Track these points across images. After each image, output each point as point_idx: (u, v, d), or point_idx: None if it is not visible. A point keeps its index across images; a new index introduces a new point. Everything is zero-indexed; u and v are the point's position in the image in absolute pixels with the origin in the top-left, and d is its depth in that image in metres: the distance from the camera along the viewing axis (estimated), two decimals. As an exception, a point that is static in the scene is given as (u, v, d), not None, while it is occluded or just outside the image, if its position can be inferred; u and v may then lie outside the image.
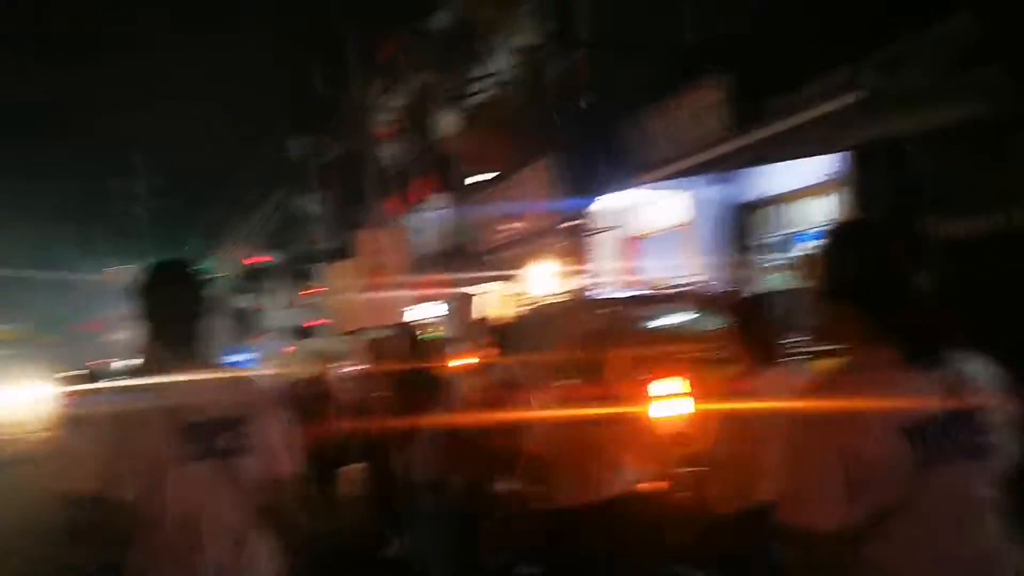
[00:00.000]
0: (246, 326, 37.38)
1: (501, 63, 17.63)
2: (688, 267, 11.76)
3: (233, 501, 2.35)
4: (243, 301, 36.35)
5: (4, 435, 19.78)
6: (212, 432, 2.34)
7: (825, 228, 1.97)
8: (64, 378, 22.89)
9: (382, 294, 14.83)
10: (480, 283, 12.88)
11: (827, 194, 8.61)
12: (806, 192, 9.20)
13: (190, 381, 2.34)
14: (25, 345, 37.54)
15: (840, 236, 1.95)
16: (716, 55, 8.85)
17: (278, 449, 2.48)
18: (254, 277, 33.32)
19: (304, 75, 22.89)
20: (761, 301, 4.36)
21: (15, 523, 8.22)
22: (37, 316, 40.79)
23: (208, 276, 2.61)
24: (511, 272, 12.14)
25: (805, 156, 7.96)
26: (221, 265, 33.94)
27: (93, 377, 22.31)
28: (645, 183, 10.36)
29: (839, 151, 7.66)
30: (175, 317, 2.44)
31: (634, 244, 12.45)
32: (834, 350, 1.92)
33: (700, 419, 4.84)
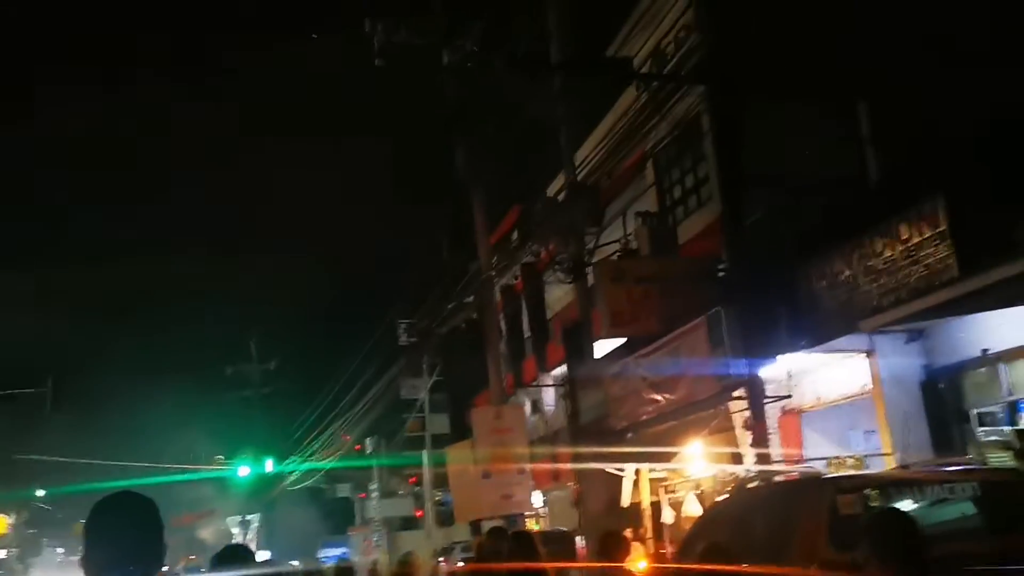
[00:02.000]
0: (347, 516, 35.66)
1: (632, 225, 16.55)
2: (872, 443, 9.80)
3: None
4: (344, 490, 34.83)
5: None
6: None
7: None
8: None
9: (503, 477, 13.14)
10: (620, 463, 11.08)
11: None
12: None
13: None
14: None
15: None
16: (923, 178, 7.37)
17: None
18: (358, 463, 31.92)
19: (416, 250, 22.30)
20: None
21: None
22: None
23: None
24: (660, 450, 10.34)
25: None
26: (324, 451, 32.77)
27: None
28: (828, 341, 8.66)
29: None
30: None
31: (803, 415, 10.58)
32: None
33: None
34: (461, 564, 17.39)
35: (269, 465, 31.12)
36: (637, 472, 10.87)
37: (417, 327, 29.66)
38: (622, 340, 14.60)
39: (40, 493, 40.32)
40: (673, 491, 10.98)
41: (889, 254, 7.79)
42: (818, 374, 10.35)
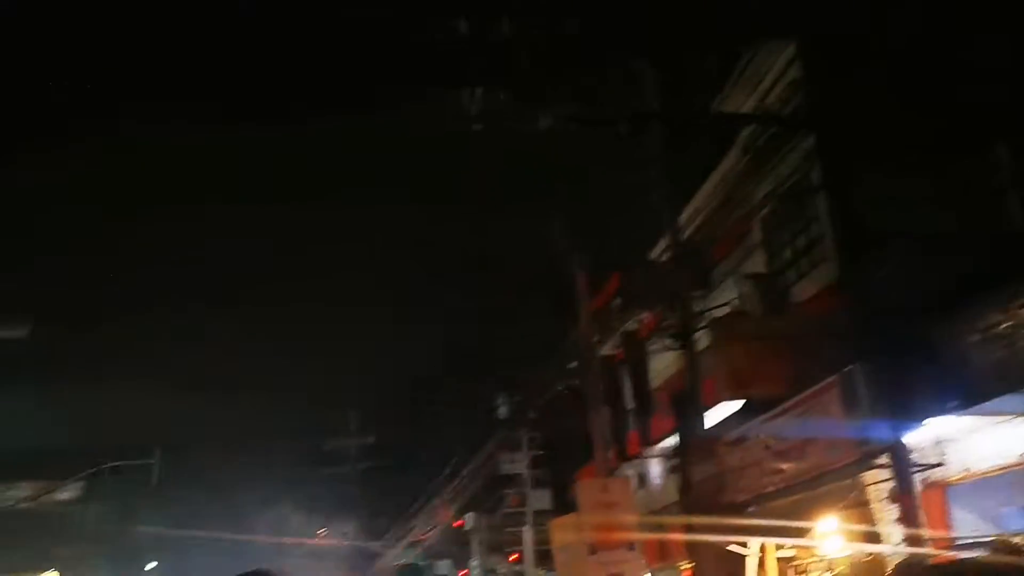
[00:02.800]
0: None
1: (736, 289, 15.69)
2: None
3: None
4: (443, 568, 33.92)
5: None
6: None
7: None
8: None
9: (612, 553, 12.24)
10: (742, 540, 10.08)
11: None
12: None
13: None
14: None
15: None
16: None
17: None
18: (456, 540, 31.11)
19: (511, 321, 21.80)
20: None
21: None
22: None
23: None
24: (787, 524, 9.33)
25: None
26: (421, 529, 32.07)
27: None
28: (982, 401, 7.64)
29: None
30: None
31: (949, 489, 9.41)
32: None
33: None
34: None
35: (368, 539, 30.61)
36: (763, 549, 9.85)
37: (515, 400, 29.06)
38: (737, 406, 13.64)
39: (151, 566, 40.71)
40: (804, 571, 9.89)
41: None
42: (967, 442, 9.23)
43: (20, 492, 23.42)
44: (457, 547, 31.33)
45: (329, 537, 31.92)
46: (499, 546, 30.66)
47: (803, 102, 12.87)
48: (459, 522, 30.84)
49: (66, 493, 24.15)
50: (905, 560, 7.51)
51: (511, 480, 29.70)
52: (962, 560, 6.31)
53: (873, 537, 9.10)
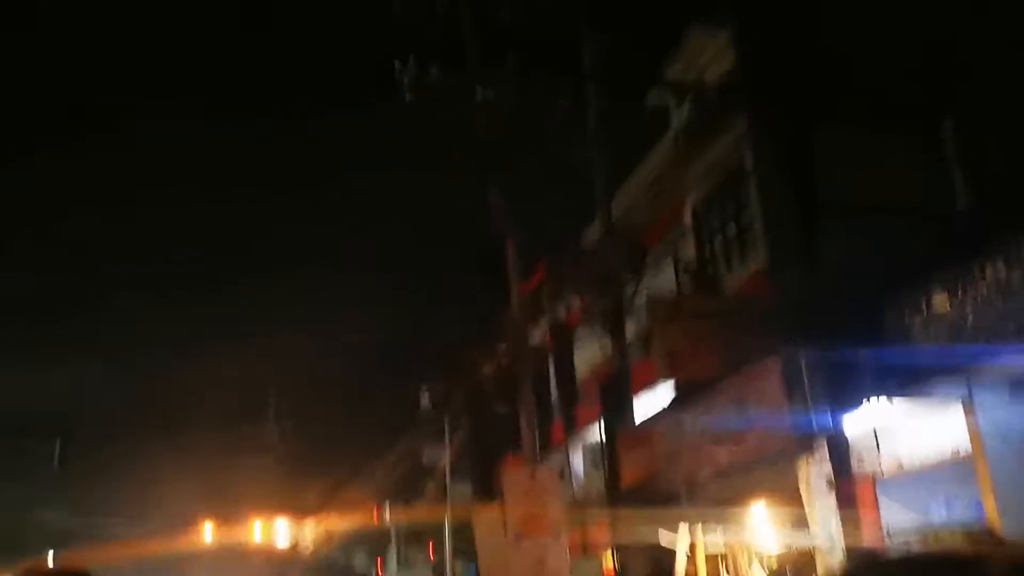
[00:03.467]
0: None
1: (667, 275, 15.35)
2: (969, 513, 8.33)
3: None
4: (360, 561, 33.07)
5: None
6: None
7: None
8: None
9: (537, 543, 11.71)
10: (670, 530, 9.64)
11: None
12: None
13: None
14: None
15: None
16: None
17: None
18: (374, 531, 30.27)
19: (437, 308, 21.09)
20: None
21: None
22: None
23: None
24: (717, 513, 8.93)
25: None
26: (338, 521, 31.13)
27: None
28: (923, 382, 7.32)
29: None
30: None
31: (880, 483, 9.12)
32: None
33: None
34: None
35: (281, 528, 29.56)
36: (692, 544, 9.44)
37: (438, 388, 28.36)
38: (670, 393, 13.26)
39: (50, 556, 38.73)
40: (734, 566, 9.50)
41: (1006, 282, 6.51)
42: (900, 433, 8.95)
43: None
44: (375, 540, 30.52)
45: (243, 528, 30.70)
46: (417, 537, 29.98)
47: (740, 77, 12.57)
48: (377, 511, 30.00)
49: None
50: (863, 551, 7.13)
51: (431, 471, 29.06)
52: (930, 551, 5.95)
53: (804, 528, 8.75)
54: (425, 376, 27.13)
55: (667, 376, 9.25)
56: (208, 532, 28.03)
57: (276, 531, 29.45)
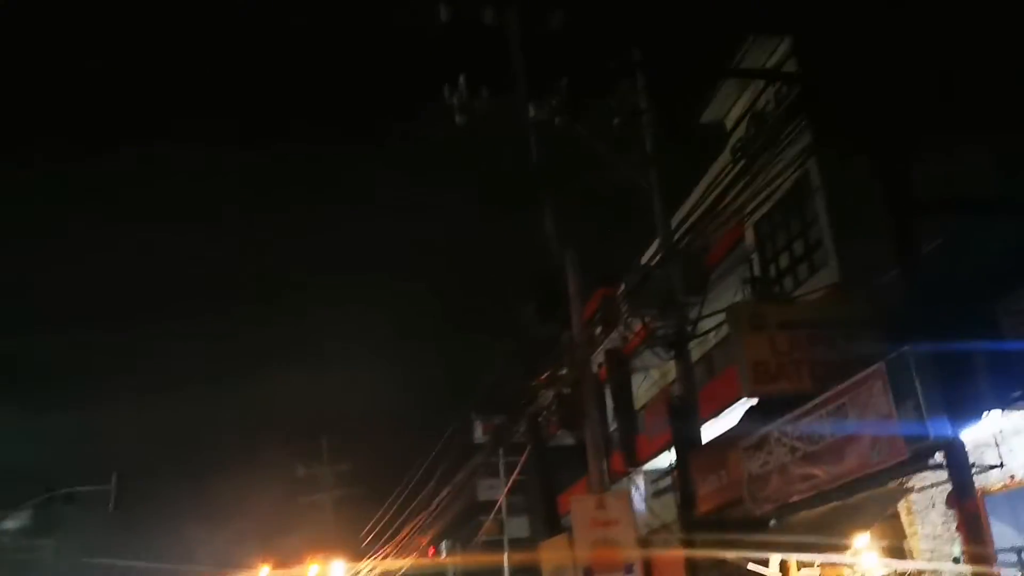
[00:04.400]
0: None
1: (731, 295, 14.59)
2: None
3: None
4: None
5: None
6: None
7: None
8: None
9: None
10: (759, 558, 8.79)
11: None
12: None
13: None
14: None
15: None
16: None
17: None
18: (430, 571, 29.43)
19: (491, 341, 20.41)
20: None
21: None
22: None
23: None
24: (820, 541, 8.07)
25: None
26: (394, 562, 30.32)
27: None
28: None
29: None
30: None
31: (987, 499, 8.23)
32: None
33: None
34: None
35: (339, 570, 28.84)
36: (784, 568, 8.58)
37: (494, 422, 27.63)
38: (739, 412, 12.41)
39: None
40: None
41: None
42: (1011, 444, 8.08)
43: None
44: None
45: (299, 570, 30.03)
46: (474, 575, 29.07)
47: (801, 86, 11.90)
48: (432, 551, 29.23)
49: (11, 523, 22.25)
50: None
51: (487, 507, 28.24)
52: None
53: (909, 552, 7.89)
54: (479, 409, 26.48)
55: (753, 391, 8.48)
56: (264, 574, 27.44)
57: (332, 572, 28.77)
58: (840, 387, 7.38)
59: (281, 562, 28.80)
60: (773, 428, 8.35)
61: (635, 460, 17.71)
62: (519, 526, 26.93)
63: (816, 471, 7.70)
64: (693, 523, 11.28)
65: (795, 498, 8.10)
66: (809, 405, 7.75)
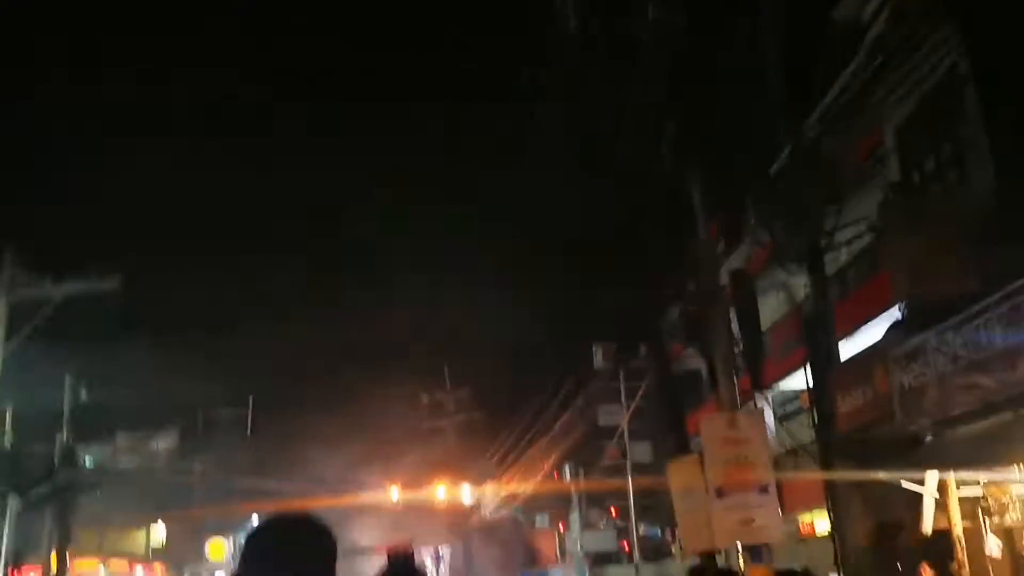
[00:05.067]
0: (542, 549, 33.26)
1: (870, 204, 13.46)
2: None
3: None
4: (542, 521, 32.54)
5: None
6: None
7: None
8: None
9: (742, 498, 10.36)
10: (918, 481, 8.03)
11: None
12: None
13: None
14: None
15: None
16: None
17: None
18: (554, 494, 29.57)
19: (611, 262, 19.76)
20: None
21: None
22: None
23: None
24: (986, 462, 7.28)
25: None
26: (518, 484, 30.58)
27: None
28: None
29: None
30: None
31: None
32: None
33: None
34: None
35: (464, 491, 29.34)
36: (943, 488, 7.81)
37: (615, 348, 27.14)
38: (877, 332, 11.50)
39: (255, 521, 40.41)
40: (995, 513, 7.80)
41: None
42: None
43: (120, 443, 22.82)
44: (556, 502, 29.83)
45: (426, 492, 30.76)
46: (598, 499, 29.01)
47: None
48: (557, 473, 29.30)
49: (162, 443, 23.51)
50: None
51: (608, 432, 27.98)
52: None
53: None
54: (598, 334, 26.02)
55: (906, 294, 7.64)
56: (395, 493, 28.17)
57: (459, 493, 29.28)
58: (1017, 284, 6.47)
59: (409, 484, 29.49)
60: (931, 336, 7.51)
61: (762, 383, 16.93)
62: (642, 451, 26.57)
63: (984, 380, 6.86)
64: (832, 443, 10.55)
65: (957, 411, 7.28)
66: (976, 307, 6.88)
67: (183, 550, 27.93)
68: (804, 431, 18.98)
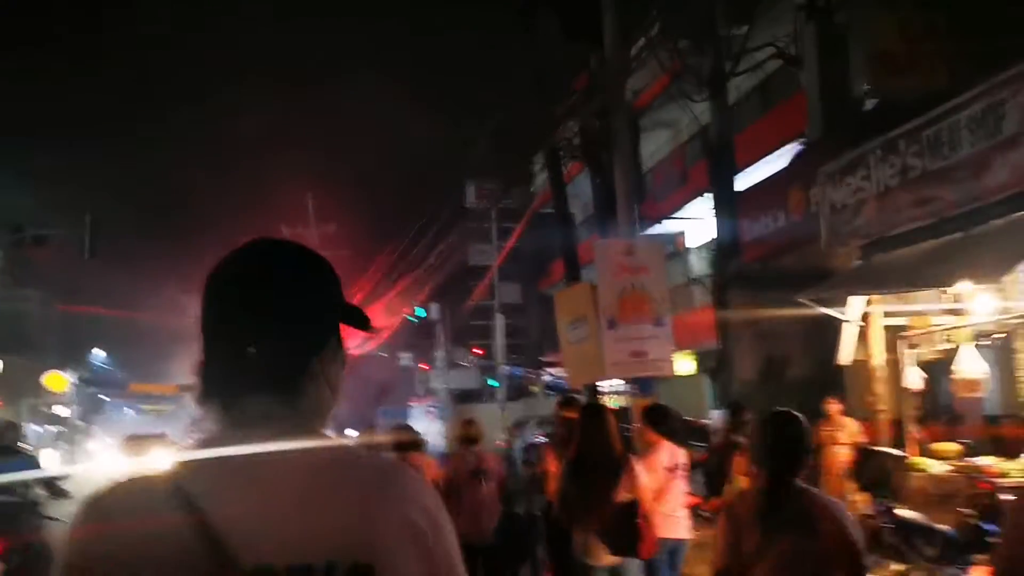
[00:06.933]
0: (406, 385, 32.71)
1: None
2: None
3: None
4: (405, 359, 31.78)
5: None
6: None
7: None
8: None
9: (635, 328, 9.43)
10: (833, 307, 7.20)
11: None
12: None
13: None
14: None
15: None
16: None
17: None
18: (419, 333, 28.68)
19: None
20: None
21: None
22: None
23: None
24: (911, 288, 6.46)
25: None
26: (382, 321, 29.47)
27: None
28: None
29: None
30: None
31: None
32: None
33: None
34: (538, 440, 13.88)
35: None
36: (865, 316, 7.02)
37: (487, 186, 25.81)
38: (797, 145, 10.58)
39: (98, 352, 37.95)
40: (916, 345, 7.13)
41: None
42: None
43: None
44: (420, 340, 28.99)
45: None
46: (463, 339, 28.40)
47: None
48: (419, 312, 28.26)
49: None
50: None
51: (478, 272, 27.06)
52: None
53: None
54: (473, 173, 24.63)
55: (879, 85, 6.53)
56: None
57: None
58: (996, 79, 5.42)
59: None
60: (876, 145, 6.46)
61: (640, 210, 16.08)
62: (511, 292, 25.78)
63: (941, 192, 5.91)
64: (732, 275, 9.72)
65: (900, 228, 6.36)
66: (942, 108, 5.83)
67: (18, 382, 25.44)
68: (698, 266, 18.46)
